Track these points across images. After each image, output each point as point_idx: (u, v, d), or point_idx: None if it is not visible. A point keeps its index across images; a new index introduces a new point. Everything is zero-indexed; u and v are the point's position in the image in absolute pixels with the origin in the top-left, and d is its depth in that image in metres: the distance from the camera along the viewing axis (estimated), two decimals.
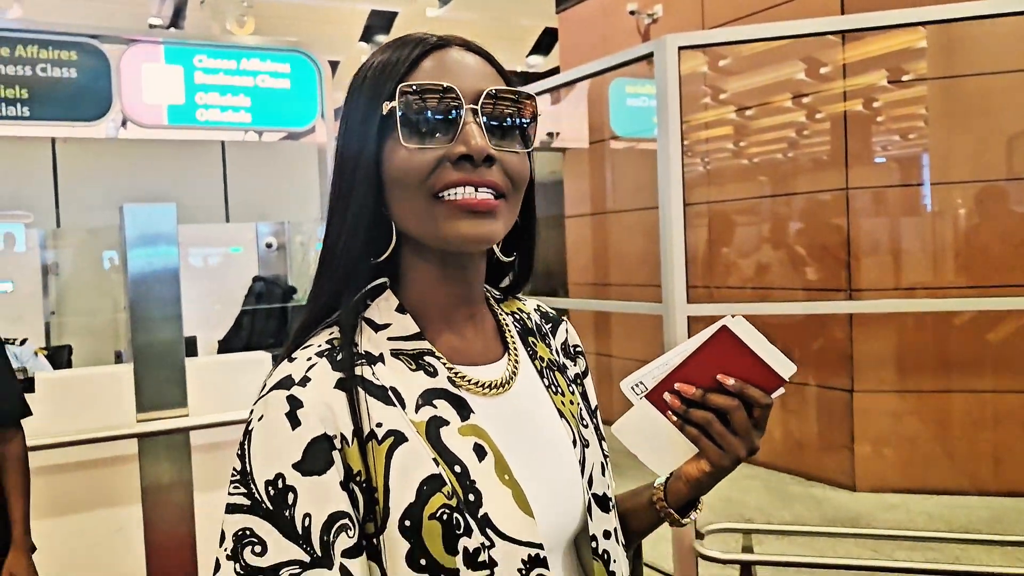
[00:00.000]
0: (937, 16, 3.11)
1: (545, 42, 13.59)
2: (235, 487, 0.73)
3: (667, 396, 0.87)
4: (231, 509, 0.73)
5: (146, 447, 3.02)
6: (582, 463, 0.87)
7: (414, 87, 0.77)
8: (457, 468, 0.75)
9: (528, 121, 0.81)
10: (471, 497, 0.75)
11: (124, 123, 5.72)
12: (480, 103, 0.77)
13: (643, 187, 5.82)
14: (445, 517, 0.73)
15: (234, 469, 0.74)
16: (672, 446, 0.89)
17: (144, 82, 3.73)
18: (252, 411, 0.76)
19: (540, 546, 0.77)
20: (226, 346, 4.56)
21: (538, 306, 1.02)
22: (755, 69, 5.45)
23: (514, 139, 0.80)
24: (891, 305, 3.94)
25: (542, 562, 0.77)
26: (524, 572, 0.76)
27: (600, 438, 0.96)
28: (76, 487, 3.12)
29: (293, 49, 4.05)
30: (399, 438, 0.75)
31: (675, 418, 0.87)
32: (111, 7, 11.02)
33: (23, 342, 4.19)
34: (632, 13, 6.01)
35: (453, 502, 0.74)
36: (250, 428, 0.75)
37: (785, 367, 0.84)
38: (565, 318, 1.02)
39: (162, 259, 3.08)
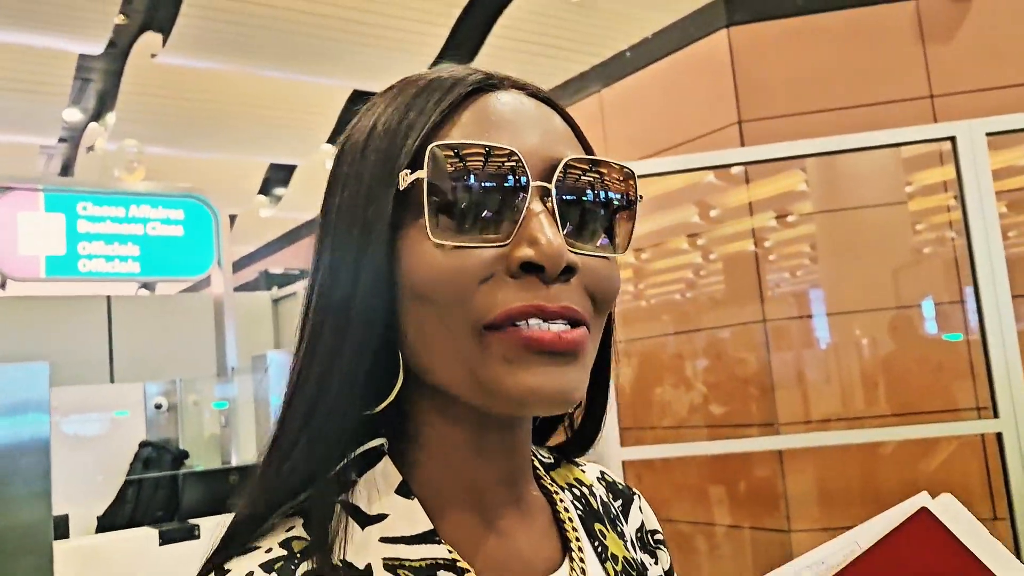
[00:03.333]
0: (841, 146, 3.19)
1: None
2: None
3: None
4: None
5: None
6: None
7: (452, 149, 0.50)
8: None
9: (624, 208, 0.56)
10: None
11: (3, 284, 5.31)
12: (554, 181, 0.51)
13: None
14: None
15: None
16: None
17: (20, 232, 3.43)
18: None
19: None
20: (108, 522, 4.05)
21: (602, 473, 0.71)
22: (650, 214, 5.55)
23: (599, 236, 0.54)
24: (817, 438, 3.85)
25: None
26: None
27: None
28: None
29: (187, 195, 3.85)
30: None
31: None
32: None
33: None
34: None
35: None
36: None
37: (1014, 569, 0.59)
38: (638, 493, 0.71)
39: (30, 428, 2.68)
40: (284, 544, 0.52)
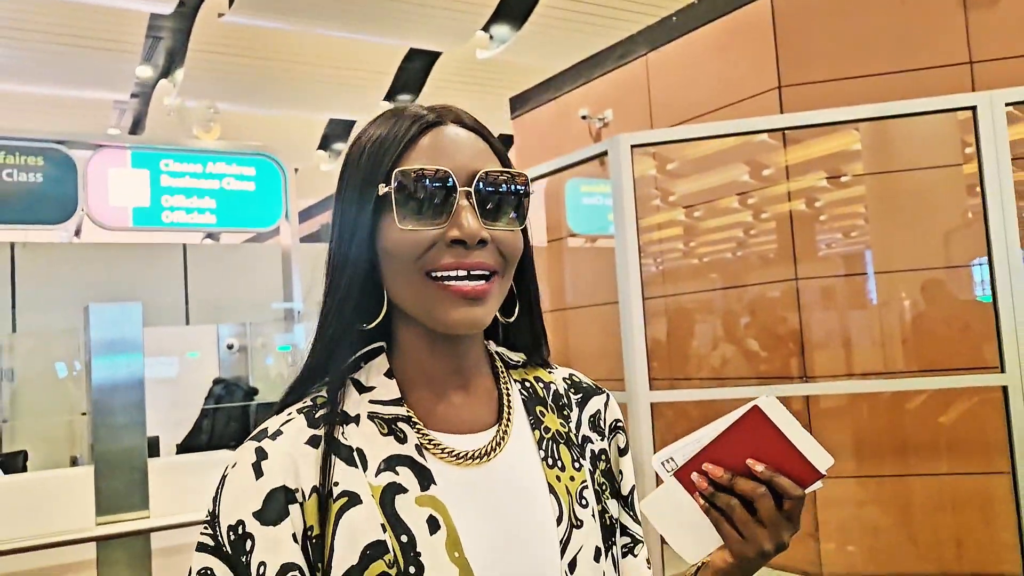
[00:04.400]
0: (869, 114, 3.35)
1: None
2: (205, 527, 0.78)
3: (695, 476, 0.82)
4: (199, 547, 0.77)
5: (105, 551, 2.93)
6: (564, 543, 0.82)
7: (410, 173, 0.78)
8: (404, 538, 0.75)
9: (521, 197, 0.82)
10: (411, 569, 0.74)
11: (77, 232, 5.72)
12: (474, 185, 0.78)
13: (600, 282, 5.96)
14: None
15: (207, 510, 0.78)
16: (700, 530, 0.83)
17: (110, 185, 3.80)
18: (229, 461, 0.80)
19: None
20: (186, 447, 4.48)
21: (571, 375, 0.98)
22: (701, 172, 5.71)
23: (507, 216, 0.81)
24: (843, 386, 4.05)
25: None
26: None
27: (633, 519, 0.94)
28: None
29: (258, 153, 4.18)
30: (353, 499, 0.76)
31: (702, 501, 0.82)
32: (73, 116, 11.17)
33: None
34: (584, 118, 6.29)
35: (393, 572, 0.74)
36: (224, 474, 0.79)
37: (821, 459, 0.78)
38: (607, 392, 0.98)
39: (127, 366, 3.06)
40: (312, 400, 0.83)
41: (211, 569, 0.76)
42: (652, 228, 5.93)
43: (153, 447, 3.40)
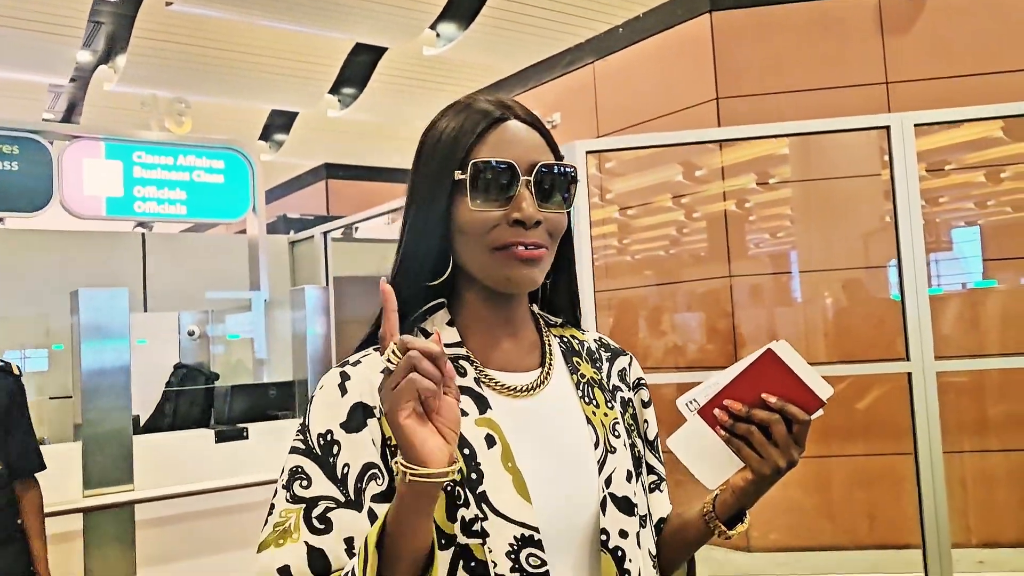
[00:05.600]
0: (793, 130, 3.73)
1: None
2: (297, 435, 0.91)
3: (716, 412, 0.95)
4: (292, 451, 0.91)
5: (92, 522, 3.11)
6: (601, 463, 0.96)
7: (482, 163, 0.92)
8: (466, 451, 0.88)
9: (569, 185, 0.97)
10: (473, 476, 0.87)
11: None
12: (533, 175, 0.93)
13: None
14: (449, 488, 0.86)
15: (299, 423, 0.93)
16: (720, 459, 0.96)
17: (85, 175, 3.93)
18: (317, 385, 0.94)
19: (535, 528, 0.87)
20: (148, 429, 4.63)
21: (600, 338, 1.14)
22: (637, 172, 6.07)
23: (558, 201, 0.95)
24: None
25: (536, 543, 0.86)
26: (515, 547, 0.86)
27: (658, 460, 1.09)
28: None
29: (227, 147, 4.34)
30: None
31: (723, 432, 0.95)
32: (7, 98, 10.95)
33: None
34: None
35: (457, 477, 0.86)
36: (312, 395, 0.93)
37: (823, 389, 0.92)
38: (630, 354, 1.15)
39: (113, 352, 3.23)
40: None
41: (302, 467, 0.88)
42: (594, 224, 6.25)
43: (135, 425, 3.57)
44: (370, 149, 12.86)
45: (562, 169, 0.95)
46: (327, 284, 5.09)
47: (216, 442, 3.50)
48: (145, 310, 5.23)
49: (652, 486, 1.08)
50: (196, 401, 4.81)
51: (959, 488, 4.77)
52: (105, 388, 3.20)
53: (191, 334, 5.11)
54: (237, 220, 4.32)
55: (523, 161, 0.92)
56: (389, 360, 0.75)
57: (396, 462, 0.76)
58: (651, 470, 1.08)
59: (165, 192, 4.08)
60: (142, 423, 4.78)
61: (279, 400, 3.85)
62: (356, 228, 5.83)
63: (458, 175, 0.92)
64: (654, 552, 1.01)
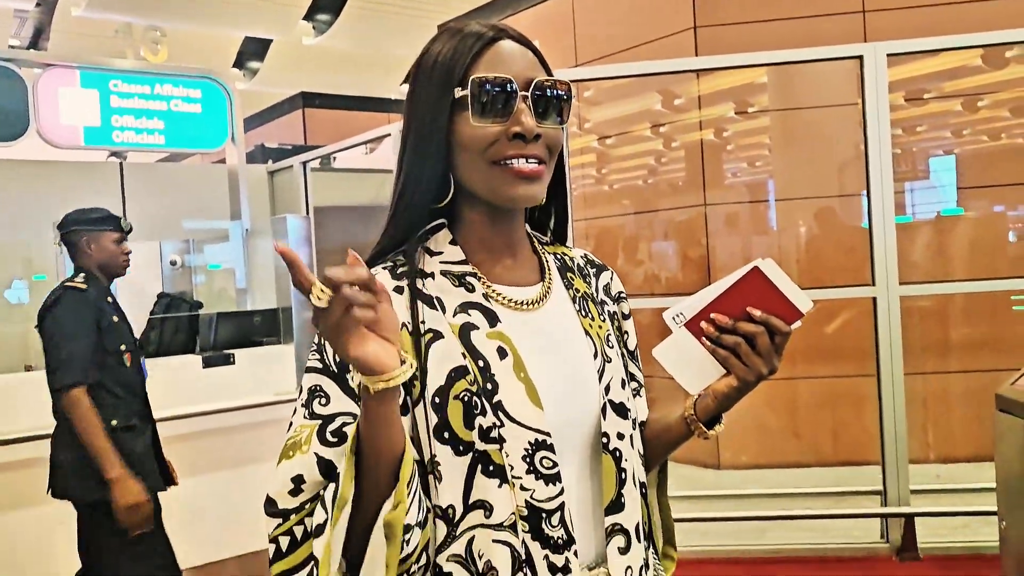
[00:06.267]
0: (769, 60, 3.77)
1: None
2: (313, 354, 0.94)
3: (703, 324, 0.99)
4: (308, 370, 0.94)
5: None
6: (600, 372, 1.01)
7: (481, 79, 0.93)
8: (481, 363, 0.93)
9: (564, 101, 0.98)
10: (489, 386, 0.92)
11: None
12: (531, 91, 0.94)
13: None
14: (466, 399, 0.91)
15: (314, 341, 0.95)
16: (703, 367, 1.02)
17: (61, 104, 3.90)
18: None
19: (547, 433, 0.92)
20: None
21: (585, 254, 1.17)
22: (616, 101, 6.09)
23: (554, 116, 0.97)
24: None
25: (548, 447, 0.92)
26: (530, 451, 0.91)
27: (637, 369, 1.14)
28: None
29: (204, 76, 4.31)
30: (437, 335, 0.94)
31: (708, 343, 1.00)
32: None
33: None
34: None
35: (474, 388, 0.91)
36: None
37: (804, 303, 0.98)
38: (611, 269, 1.19)
39: None
40: (392, 261, 1.00)
41: (320, 385, 0.92)
42: (572, 154, 6.28)
43: None
44: (347, 78, 12.67)
45: (557, 86, 0.97)
46: (307, 214, 5.13)
47: (203, 368, 3.59)
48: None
49: (633, 392, 1.12)
50: (181, 329, 4.88)
51: (919, 407, 4.98)
52: None
53: (173, 264, 5.15)
54: (215, 150, 4.32)
55: (520, 77, 0.94)
56: (319, 298, 0.73)
57: (355, 381, 0.80)
58: (632, 378, 1.13)
59: (143, 122, 4.07)
60: None
61: (264, 327, 3.92)
62: (334, 158, 5.84)
63: (458, 92, 0.94)
64: (642, 452, 1.07)
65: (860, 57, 3.54)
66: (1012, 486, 2.61)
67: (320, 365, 0.92)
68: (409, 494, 0.83)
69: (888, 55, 3.53)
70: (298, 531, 0.87)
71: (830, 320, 5.01)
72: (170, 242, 5.16)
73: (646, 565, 1.01)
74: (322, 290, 0.73)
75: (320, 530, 0.83)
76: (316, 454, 0.88)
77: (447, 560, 0.91)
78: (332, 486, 0.84)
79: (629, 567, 0.97)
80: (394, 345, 0.78)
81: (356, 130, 5.76)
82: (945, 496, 4.11)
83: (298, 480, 0.87)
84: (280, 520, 0.87)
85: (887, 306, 3.62)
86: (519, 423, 0.91)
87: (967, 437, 4.92)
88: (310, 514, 0.86)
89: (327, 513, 0.83)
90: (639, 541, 0.99)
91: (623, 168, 6.45)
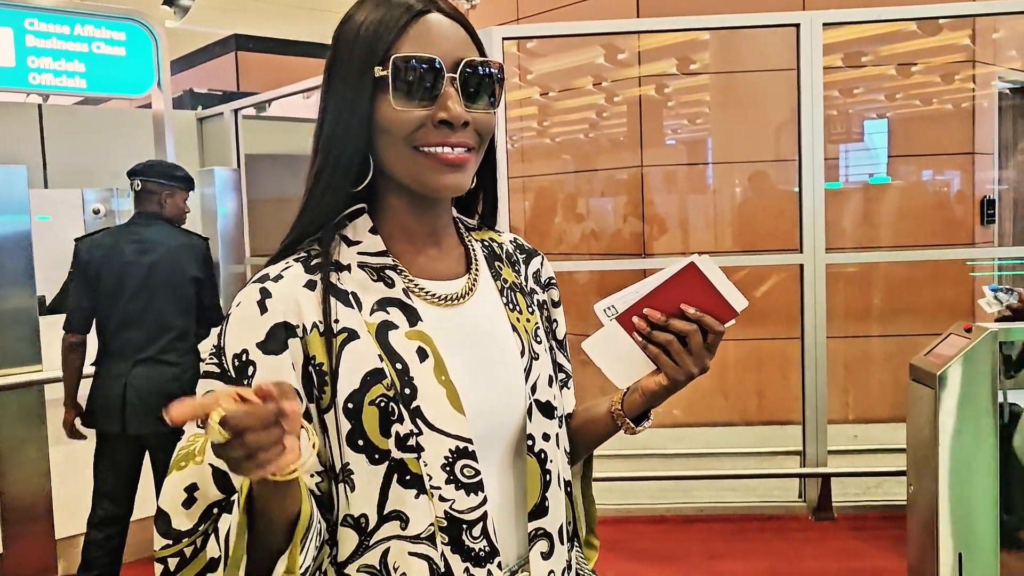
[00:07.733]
0: (708, 24, 3.76)
1: None
2: (210, 358, 0.88)
3: (635, 319, 0.96)
4: (204, 375, 0.88)
5: (0, 402, 3.11)
6: (527, 371, 0.96)
7: (404, 59, 0.86)
8: (399, 365, 0.87)
9: (496, 84, 0.92)
10: (407, 391, 0.86)
11: None
12: (459, 72, 0.87)
13: None
14: (382, 404, 0.85)
15: (212, 345, 0.90)
16: (633, 363, 0.99)
17: None
18: (234, 301, 0.89)
19: (469, 440, 0.87)
20: (54, 308, 4.55)
21: (515, 239, 1.12)
22: (559, 53, 6.02)
23: (485, 100, 0.91)
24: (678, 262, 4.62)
25: (470, 455, 0.87)
26: (451, 460, 0.87)
27: (565, 359, 1.10)
28: None
29: (128, 17, 4.12)
30: (352, 335, 0.87)
31: (639, 339, 0.97)
32: None
33: None
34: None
35: (391, 393, 0.86)
36: (229, 312, 0.89)
37: (739, 302, 0.95)
38: (541, 254, 1.13)
39: (12, 226, 3.16)
40: (306, 251, 0.92)
41: (213, 392, 0.80)
42: (511, 105, 6.21)
43: (40, 305, 3.52)
44: (284, 21, 12.26)
45: (488, 68, 0.90)
46: (238, 164, 4.98)
47: None
48: (46, 186, 5.05)
49: (560, 384, 1.09)
50: None
51: (841, 370, 5.14)
52: (7, 267, 3.14)
53: (96, 212, 4.97)
54: (141, 96, 4.14)
55: (448, 57, 0.87)
56: (219, 434, 0.64)
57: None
58: (560, 368, 1.09)
59: (62, 64, 3.86)
60: (48, 303, 4.70)
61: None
62: (269, 105, 5.66)
63: (379, 71, 0.87)
64: (568, 450, 1.04)
65: (797, 25, 3.56)
66: (920, 452, 2.72)
67: (217, 369, 0.87)
68: (303, 551, 0.79)
69: (824, 24, 3.56)
70: (188, 551, 0.82)
71: (760, 283, 5.11)
72: (93, 190, 4.96)
73: (568, 567, 0.99)
74: (220, 430, 0.64)
75: (214, 566, 0.80)
76: (211, 464, 0.82)
77: (357, 571, 0.87)
78: (227, 519, 0.79)
79: (552, 571, 0.95)
80: (298, 438, 0.70)
81: (293, 77, 5.59)
82: (862, 457, 4.28)
83: (192, 489, 0.82)
84: (171, 542, 0.82)
85: (813, 273, 3.70)
86: (439, 430, 0.86)
87: (885, 399, 5.11)
88: (204, 542, 0.81)
89: (220, 550, 0.79)
90: (562, 543, 0.97)
91: (565, 122, 6.40)
